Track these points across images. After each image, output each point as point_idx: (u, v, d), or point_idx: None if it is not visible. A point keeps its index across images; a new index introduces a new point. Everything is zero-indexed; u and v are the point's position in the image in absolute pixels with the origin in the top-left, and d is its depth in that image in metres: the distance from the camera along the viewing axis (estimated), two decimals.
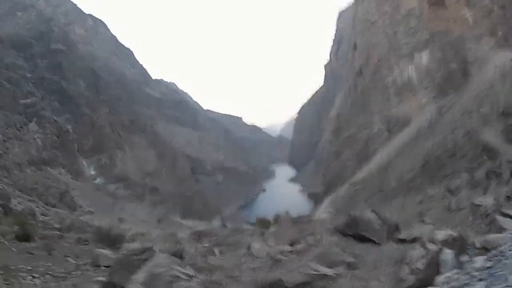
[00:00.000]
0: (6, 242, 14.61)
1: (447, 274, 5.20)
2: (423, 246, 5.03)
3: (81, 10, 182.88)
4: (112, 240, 16.11)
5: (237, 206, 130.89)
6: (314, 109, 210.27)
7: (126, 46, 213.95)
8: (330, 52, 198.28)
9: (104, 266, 10.33)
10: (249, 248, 10.22)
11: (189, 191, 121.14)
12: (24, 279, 8.98)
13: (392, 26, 78.09)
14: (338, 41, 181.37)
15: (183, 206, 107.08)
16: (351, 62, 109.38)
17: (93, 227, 35.72)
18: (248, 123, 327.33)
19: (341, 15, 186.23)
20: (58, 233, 21.21)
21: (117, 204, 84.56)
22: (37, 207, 49.43)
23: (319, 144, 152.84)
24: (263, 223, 24.27)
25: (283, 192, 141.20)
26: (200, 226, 64.49)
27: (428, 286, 4.73)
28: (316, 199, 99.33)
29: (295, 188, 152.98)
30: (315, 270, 5.60)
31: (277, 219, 26.71)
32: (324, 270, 5.50)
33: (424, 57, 66.44)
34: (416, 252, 4.96)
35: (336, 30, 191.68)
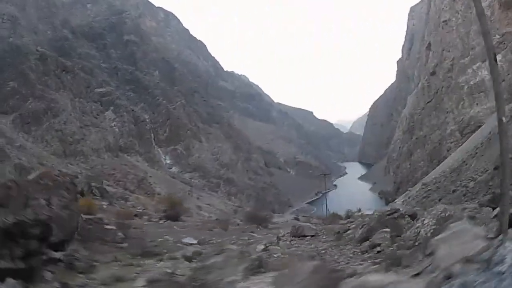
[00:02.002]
0: (161, 222, 17.91)
1: None
2: None
3: (152, 3, 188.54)
4: (261, 220, 19.81)
5: (307, 200, 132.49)
6: (386, 106, 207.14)
7: (198, 39, 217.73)
8: (402, 48, 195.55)
9: (310, 236, 13.57)
10: None
11: (263, 183, 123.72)
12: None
13: (465, 25, 77.81)
14: (410, 37, 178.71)
15: (257, 198, 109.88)
16: (424, 61, 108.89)
17: None
18: (319, 118, 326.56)
19: (413, 10, 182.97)
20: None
21: (194, 193, 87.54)
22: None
23: (391, 143, 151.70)
24: (336, 218, 26.89)
25: (353, 189, 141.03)
26: (275, 218, 67.19)
27: None
28: (386, 197, 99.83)
29: (365, 185, 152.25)
30: None
31: (349, 215, 29.23)
32: None
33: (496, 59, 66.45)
34: None
35: (408, 25, 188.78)
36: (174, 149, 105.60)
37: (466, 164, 54.34)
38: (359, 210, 43.52)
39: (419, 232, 8.04)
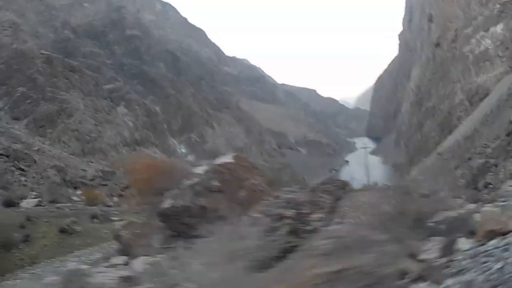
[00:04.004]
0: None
1: None
2: None
3: None
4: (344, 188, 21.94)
5: (321, 178, 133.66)
6: (390, 79, 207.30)
7: (197, 26, 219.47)
8: (403, 21, 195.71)
9: None
10: None
11: (278, 164, 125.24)
12: None
13: None
14: (409, 10, 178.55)
15: (274, 179, 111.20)
16: (427, 33, 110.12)
17: None
18: (323, 96, 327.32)
19: None
20: None
21: None
22: None
23: (398, 116, 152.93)
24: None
25: (365, 164, 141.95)
26: None
27: None
28: (400, 169, 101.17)
29: (376, 159, 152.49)
30: None
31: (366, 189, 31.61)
32: None
33: (498, 28, 67.97)
34: None
35: None
36: (188, 138, 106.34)
37: (478, 132, 55.79)
38: (376, 184, 45.67)
39: None
